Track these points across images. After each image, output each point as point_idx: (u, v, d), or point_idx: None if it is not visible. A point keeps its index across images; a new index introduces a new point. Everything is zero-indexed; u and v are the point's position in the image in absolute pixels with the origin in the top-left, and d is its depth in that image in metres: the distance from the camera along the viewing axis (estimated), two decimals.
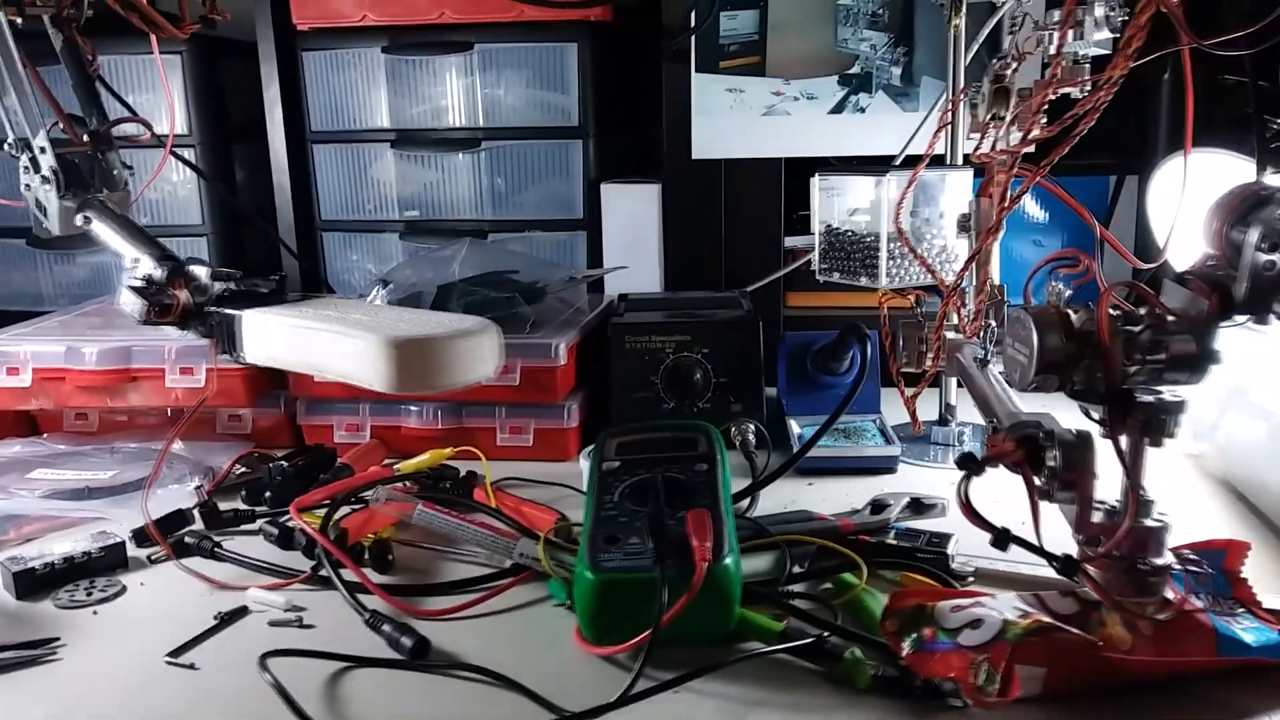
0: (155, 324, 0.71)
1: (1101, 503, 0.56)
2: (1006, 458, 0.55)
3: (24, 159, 0.80)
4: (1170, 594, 0.62)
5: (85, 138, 0.81)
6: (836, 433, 1.03)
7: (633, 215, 1.32)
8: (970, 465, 0.55)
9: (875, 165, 1.15)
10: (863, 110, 1.24)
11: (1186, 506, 0.89)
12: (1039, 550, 0.57)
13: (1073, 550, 0.60)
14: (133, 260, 0.73)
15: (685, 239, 1.32)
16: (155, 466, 0.87)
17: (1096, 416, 0.55)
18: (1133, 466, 0.55)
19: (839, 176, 1.02)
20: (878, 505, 0.86)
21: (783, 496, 0.93)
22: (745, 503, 0.90)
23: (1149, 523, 0.55)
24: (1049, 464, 0.54)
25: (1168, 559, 0.56)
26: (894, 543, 0.79)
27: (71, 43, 0.82)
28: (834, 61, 1.23)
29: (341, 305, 0.72)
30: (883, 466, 0.98)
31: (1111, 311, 0.50)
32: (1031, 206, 1.33)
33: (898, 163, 1.10)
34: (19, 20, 0.85)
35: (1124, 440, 0.55)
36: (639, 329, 1.07)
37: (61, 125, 0.80)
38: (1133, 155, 1.25)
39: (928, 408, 1.05)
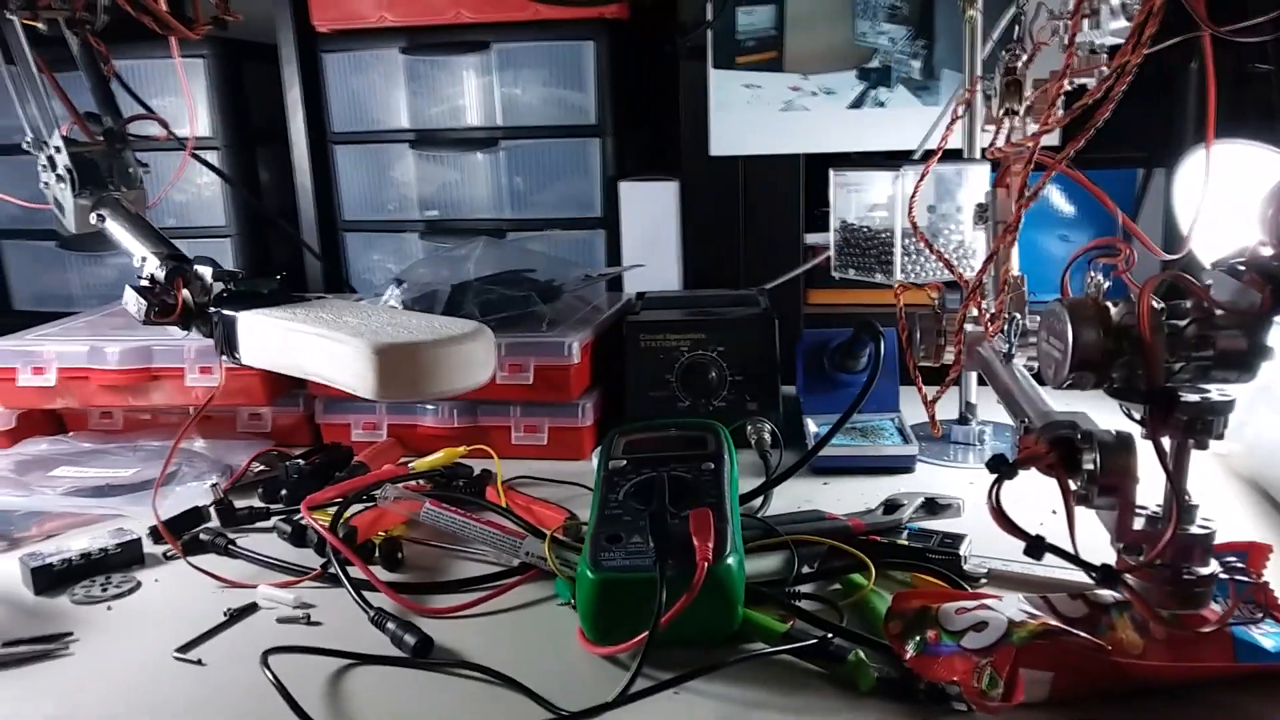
0: (156, 324, 0.72)
1: (1143, 508, 0.53)
2: (1040, 460, 0.52)
3: (42, 158, 0.82)
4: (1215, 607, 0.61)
5: (100, 136, 0.82)
6: (854, 432, 1.02)
7: (651, 213, 1.32)
8: (1002, 468, 0.53)
9: (896, 160, 1.13)
10: (882, 104, 1.22)
11: (1213, 507, 0.86)
12: (1076, 560, 0.54)
13: (1110, 558, 0.58)
14: (140, 259, 0.74)
15: (704, 236, 1.31)
16: (163, 466, 0.88)
17: (1137, 416, 0.52)
18: (1176, 470, 0.52)
19: (856, 172, 1.01)
20: (891, 505, 0.84)
21: (797, 496, 0.92)
22: (758, 502, 0.89)
23: (1193, 530, 0.53)
24: (1086, 467, 0.52)
25: (1213, 567, 0.53)
26: (905, 543, 0.78)
27: (86, 45, 0.83)
28: (852, 55, 1.22)
29: (341, 307, 0.72)
30: (900, 466, 0.97)
31: (1155, 304, 0.47)
32: (1058, 200, 1.31)
33: (916, 157, 1.09)
34: (42, 26, 0.86)
35: (1166, 442, 0.52)
36: (654, 327, 1.07)
37: (76, 125, 0.81)
38: (1160, 147, 1.23)
39: (947, 405, 1.03)
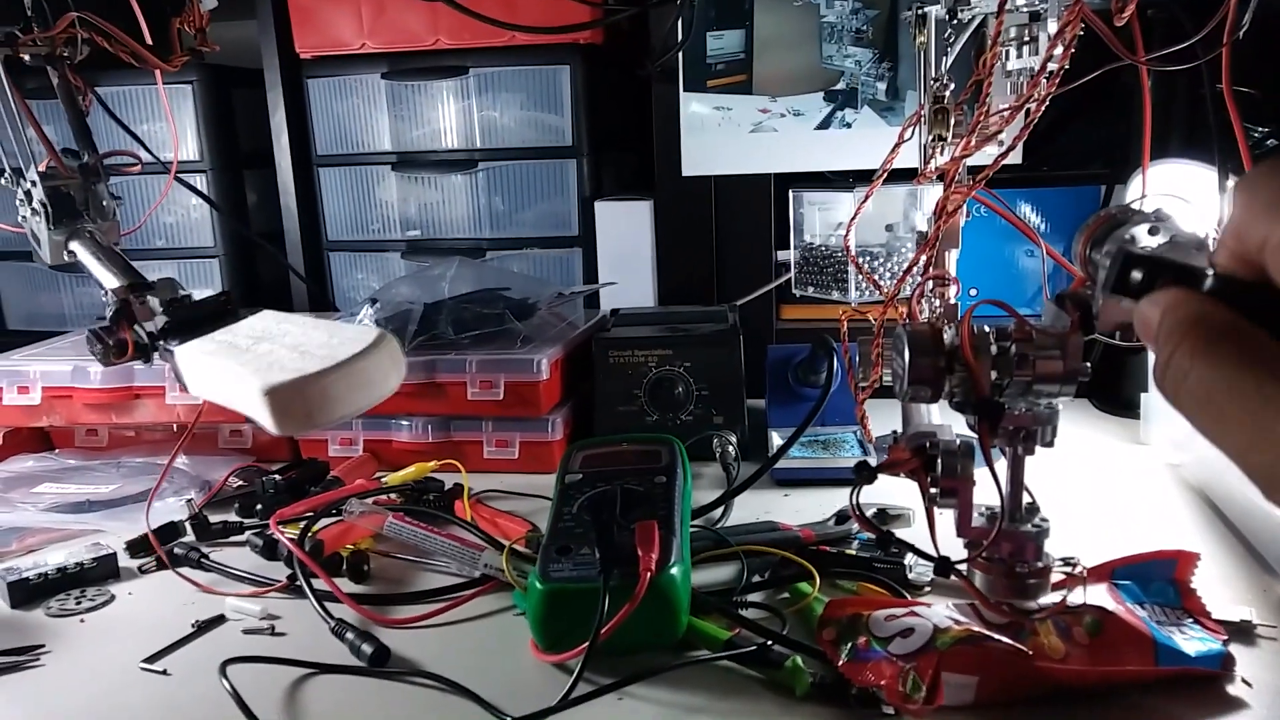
0: (116, 364, 0.75)
1: (989, 508, 0.58)
2: (901, 466, 0.57)
3: (19, 192, 0.85)
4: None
5: (76, 170, 0.85)
6: (816, 445, 1.04)
7: (626, 232, 1.35)
8: (863, 473, 0.58)
9: (863, 180, 1.16)
10: (849, 125, 1.25)
11: (1162, 516, 0.89)
12: (919, 551, 0.59)
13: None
14: (104, 294, 0.77)
15: (677, 254, 1.34)
16: (157, 482, 0.91)
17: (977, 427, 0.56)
18: (1011, 473, 0.57)
19: (817, 192, 1.04)
20: (842, 516, 0.87)
21: (757, 507, 0.94)
22: (719, 512, 0.91)
23: (1028, 528, 0.57)
24: (936, 472, 0.57)
25: (1048, 561, 0.58)
26: (853, 553, 0.80)
27: (65, 80, 0.86)
28: (819, 78, 1.25)
29: (264, 329, 0.73)
30: None
31: (985, 328, 0.52)
32: (1025, 217, 1.33)
33: (876, 178, 1.11)
34: (25, 58, 0.89)
35: (1006, 450, 0.57)
36: (622, 344, 1.09)
37: (51, 160, 0.84)
38: (1122, 165, 1.25)
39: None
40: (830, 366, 0.97)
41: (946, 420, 0.65)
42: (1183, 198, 0.56)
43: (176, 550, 0.87)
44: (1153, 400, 1.06)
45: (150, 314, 0.73)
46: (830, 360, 0.97)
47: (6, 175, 0.86)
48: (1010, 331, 0.51)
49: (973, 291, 0.83)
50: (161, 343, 0.73)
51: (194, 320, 0.73)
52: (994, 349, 0.52)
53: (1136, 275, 0.32)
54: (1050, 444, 0.56)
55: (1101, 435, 1.10)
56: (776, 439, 1.05)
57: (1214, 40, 0.72)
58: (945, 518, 0.61)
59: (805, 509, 0.94)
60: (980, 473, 0.57)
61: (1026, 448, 0.56)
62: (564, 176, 1.37)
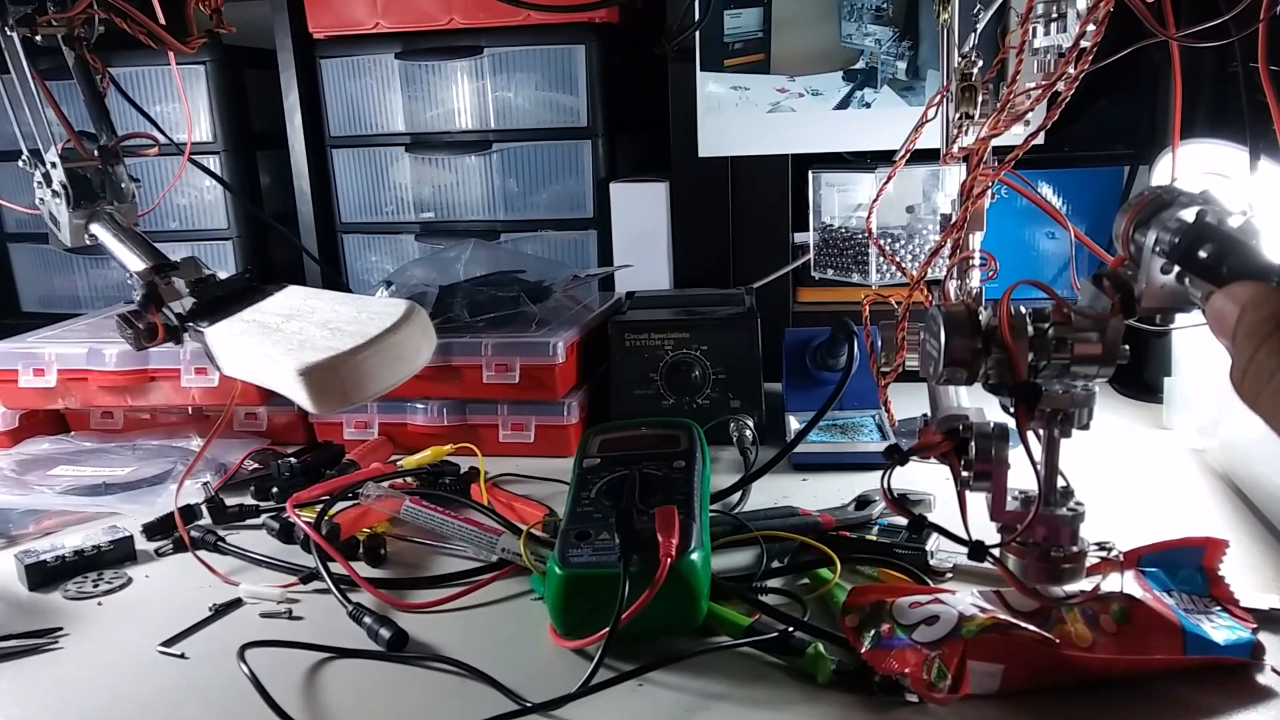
0: (148, 348, 0.75)
1: (1023, 492, 0.57)
2: (933, 449, 0.56)
3: (38, 174, 0.84)
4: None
5: (95, 153, 0.85)
6: (834, 429, 1.03)
7: (641, 214, 1.34)
8: (894, 456, 0.57)
9: (882, 161, 1.14)
10: (868, 105, 1.23)
11: (1187, 502, 0.88)
12: (952, 535, 0.58)
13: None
14: (129, 276, 0.77)
15: (694, 236, 1.33)
16: (188, 468, 0.91)
17: (1012, 410, 0.56)
18: (1047, 456, 0.56)
19: (837, 173, 1.02)
20: (862, 501, 0.86)
21: (775, 492, 0.93)
22: (736, 497, 0.91)
23: (1063, 511, 0.56)
24: (969, 455, 0.56)
25: (1083, 546, 0.57)
26: (873, 538, 0.79)
27: (82, 60, 0.86)
28: (838, 57, 1.23)
29: (292, 306, 0.73)
30: (878, 462, 0.98)
31: (1023, 309, 0.51)
32: (1050, 199, 1.31)
33: (898, 158, 1.10)
34: (37, 38, 0.89)
35: (1040, 431, 0.56)
36: (638, 327, 1.08)
37: (71, 142, 0.84)
38: (1146, 145, 1.23)
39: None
40: (850, 350, 0.96)
41: (974, 403, 0.63)
42: (1224, 175, 0.55)
43: (193, 533, 0.87)
44: (1176, 385, 1.05)
45: (177, 295, 0.73)
46: (850, 343, 0.96)
47: (25, 157, 0.85)
48: (1048, 313, 0.50)
49: (990, 275, 0.82)
50: (191, 324, 0.73)
51: (221, 299, 0.73)
52: (1030, 330, 0.50)
53: (1203, 254, 0.31)
54: (1086, 426, 0.55)
55: (1124, 420, 1.09)
56: (794, 423, 1.05)
57: (1247, 16, 0.70)
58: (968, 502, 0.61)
59: (824, 494, 0.93)
60: (1012, 456, 0.57)
61: (1063, 430, 0.55)
62: (579, 158, 1.36)
